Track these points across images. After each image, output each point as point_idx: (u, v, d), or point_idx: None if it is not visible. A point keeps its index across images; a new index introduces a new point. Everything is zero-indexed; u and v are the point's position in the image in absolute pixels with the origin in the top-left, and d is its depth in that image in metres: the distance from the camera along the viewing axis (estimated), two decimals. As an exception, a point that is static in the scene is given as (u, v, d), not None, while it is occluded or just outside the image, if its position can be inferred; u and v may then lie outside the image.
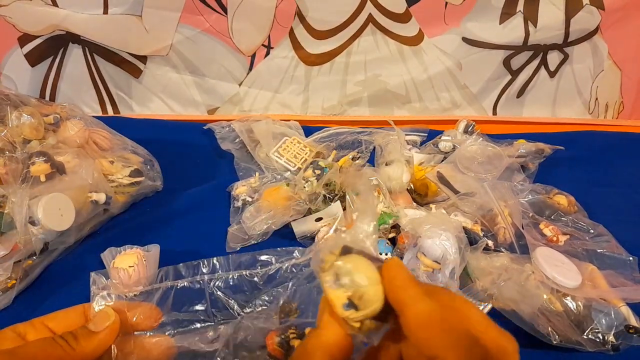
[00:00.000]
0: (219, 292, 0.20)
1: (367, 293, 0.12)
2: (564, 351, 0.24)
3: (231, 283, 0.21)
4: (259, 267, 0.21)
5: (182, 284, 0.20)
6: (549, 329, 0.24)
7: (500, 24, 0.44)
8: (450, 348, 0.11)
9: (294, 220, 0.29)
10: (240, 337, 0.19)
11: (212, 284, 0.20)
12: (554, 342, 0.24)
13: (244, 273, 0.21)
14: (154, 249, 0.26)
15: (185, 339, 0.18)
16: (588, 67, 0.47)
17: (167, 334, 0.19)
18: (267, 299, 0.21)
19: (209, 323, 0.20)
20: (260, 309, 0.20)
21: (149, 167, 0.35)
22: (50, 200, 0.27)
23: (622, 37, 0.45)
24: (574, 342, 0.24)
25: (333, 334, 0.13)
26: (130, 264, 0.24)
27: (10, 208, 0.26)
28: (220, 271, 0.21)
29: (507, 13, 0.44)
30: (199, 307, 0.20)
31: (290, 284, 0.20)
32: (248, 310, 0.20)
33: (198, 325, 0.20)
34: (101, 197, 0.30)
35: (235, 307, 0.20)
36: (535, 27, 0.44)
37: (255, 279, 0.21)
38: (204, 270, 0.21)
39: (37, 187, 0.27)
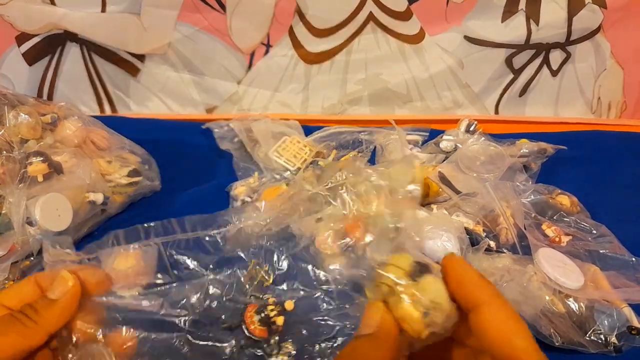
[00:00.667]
0: (177, 255, 0.18)
1: (444, 312, 0.13)
2: (566, 353, 0.24)
3: (191, 244, 0.18)
4: (217, 227, 0.18)
5: (134, 247, 0.18)
6: (551, 331, 0.24)
7: (502, 22, 0.44)
8: (531, 346, 0.11)
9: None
10: (200, 304, 0.17)
11: (168, 246, 0.18)
12: (556, 344, 0.23)
13: (202, 234, 0.18)
14: (152, 250, 0.25)
15: (149, 306, 0.16)
16: (590, 66, 0.47)
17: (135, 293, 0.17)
18: (230, 261, 0.18)
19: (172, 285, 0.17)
20: (227, 272, 0.17)
21: (147, 166, 0.35)
22: (48, 201, 0.27)
23: (624, 35, 0.45)
24: (577, 343, 0.24)
25: (394, 348, 0.13)
26: (128, 265, 0.23)
27: (7, 208, 0.26)
28: (175, 233, 0.18)
29: (509, 11, 0.43)
30: (157, 273, 0.17)
31: (257, 244, 0.18)
32: (212, 274, 0.17)
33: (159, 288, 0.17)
34: (99, 197, 0.30)
35: (197, 268, 0.18)
36: (538, 25, 0.44)
37: (218, 239, 0.18)
38: (157, 233, 0.18)
39: (35, 187, 0.27)
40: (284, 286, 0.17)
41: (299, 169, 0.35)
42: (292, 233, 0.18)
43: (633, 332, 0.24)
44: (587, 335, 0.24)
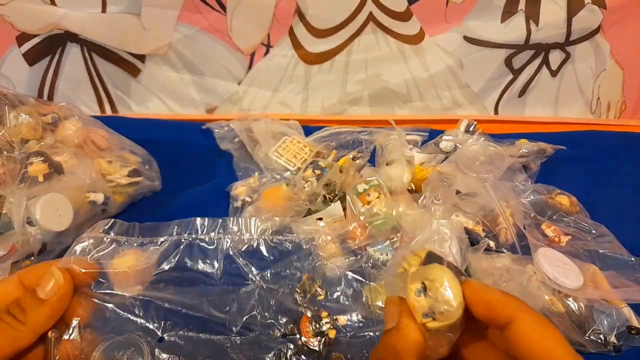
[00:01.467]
0: (237, 257, 0.17)
1: (449, 310, 0.13)
2: (566, 353, 0.24)
3: (253, 247, 0.18)
4: (286, 235, 0.18)
5: (195, 240, 0.17)
6: (551, 331, 0.24)
7: (501, 22, 0.44)
8: (569, 351, 0.12)
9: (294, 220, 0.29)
10: (251, 310, 0.16)
11: (228, 244, 0.17)
12: (556, 344, 0.23)
13: (270, 238, 0.18)
14: (152, 250, 0.25)
15: (189, 299, 0.16)
16: (590, 66, 0.47)
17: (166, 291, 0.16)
18: (287, 271, 0.18)
19: (217, 287, 0.17)
20: (281, 282, 0.17)
21: (147, 167, 0.35)
22: (48, 201, 0.27)
23: (624, 36, 0.45)
24: (576, 343, 0.24)
25: (419, 336, 0.13)
26: (128, 264, 0.23)
27: (8, 208, 0.26)
28: (241, 233, 0.18)
29: (508, 12, 0.43)
30: (208, 269, 0.17)
31: (313, 258, 0.18)
32: (263, 280, 0.17)
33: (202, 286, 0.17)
34: (99, 197, 0.30)
35: (253, 274, 0.17)
36: (537, 26, 0.44)
37: (287, 245, 0.18)
38: (221, 230, 0.18)
39: (35, 187, 0.27)
40: (332, 302, 0.18)
41: (299, 169, 0.35)
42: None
43: (632, 331, 0.24)
44: (587, 335, 0.24)
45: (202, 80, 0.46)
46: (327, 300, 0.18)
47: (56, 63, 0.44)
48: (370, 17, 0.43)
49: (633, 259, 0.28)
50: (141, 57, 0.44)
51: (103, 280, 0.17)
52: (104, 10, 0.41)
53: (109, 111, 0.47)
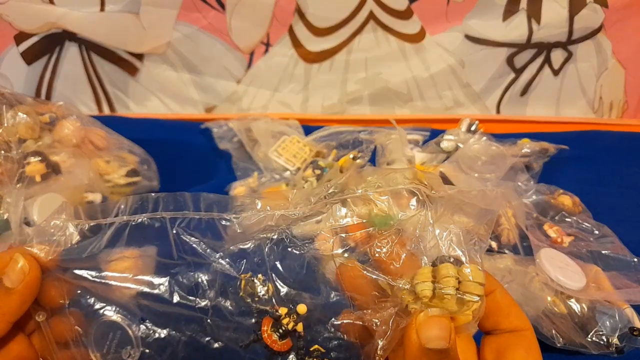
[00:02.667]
0: (185, 235, 0.16)
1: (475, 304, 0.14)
2: (568, 354, 0.23)
3: (202, 226, 0.16)
4: (238, 212, 0.16)
5: (140, 220, 0.16)
6: (553, 332, 0.23)
7: (503, 21, 0.44)
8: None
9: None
10: (217, 296, 0.15)
11: (177, 223, 0.16)
12: (558, 345, 0.23)
13: (218, 216, 0.16)
14: (150, 251, 0.25)
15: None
16: (592, 65, 0.46)
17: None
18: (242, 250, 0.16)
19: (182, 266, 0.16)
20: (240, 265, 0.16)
21: (145, 166, 0.34)
22: (46, 201, 0.26)
23: (626, 35, 0.45)
24: (578, 344, 0.23)
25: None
26: (125, 266, 0.23)
27: (5, 209, 0.26)
28: (189, 210, 0.16)
29: (510, 10, 0.43)
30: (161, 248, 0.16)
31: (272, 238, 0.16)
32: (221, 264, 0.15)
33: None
34: (97, 197, 0.30)
35: (207, 252, 0.16)
36: (539, 24, 0.44)
37: (234, 222, 0.16)
38: (169, 207, 0.16)
39: (33, 187, 0.27)
40: (287, 291, 0.16)
41: (298, 168, 0.35)
42: (283, 236, 0.17)
43: (635, 333, 0.24)
44: (589, 336, 0.24)
45: (201, 80, 0.45)
46: (278, 292, 0.16)
47: (54, 62, 0.44)
48: (371, 16, 0.43)
49: (636, 259, 0.28)
50: (140, 56, 0.44)
51: (97, 281, 0.17)
52: (102, 9, 0.41)
53: (107, 111, 0.47)
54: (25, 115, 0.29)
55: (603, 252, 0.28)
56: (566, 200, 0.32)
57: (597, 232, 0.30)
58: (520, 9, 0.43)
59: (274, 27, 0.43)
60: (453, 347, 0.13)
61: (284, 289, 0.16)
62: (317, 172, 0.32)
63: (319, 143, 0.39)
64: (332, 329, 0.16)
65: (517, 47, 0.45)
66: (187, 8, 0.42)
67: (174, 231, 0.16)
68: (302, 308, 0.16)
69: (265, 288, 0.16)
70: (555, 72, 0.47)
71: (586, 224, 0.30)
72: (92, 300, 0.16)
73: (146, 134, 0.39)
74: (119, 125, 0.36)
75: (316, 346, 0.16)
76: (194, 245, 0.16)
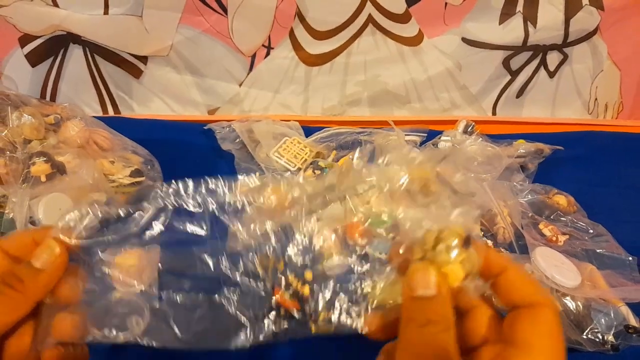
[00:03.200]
0: (223, 216, 0.18)
1: (476, 278, 0.15)
2: (564, 351, 0.24)
3: (238, 207, 0.18)
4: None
5: (180, 203, 0.18)
6: (549, 329, 0.24)
7: (499, 24, 0.44)
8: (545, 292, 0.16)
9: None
10: (242, 266, 0.17)
11: (214, 205, 0.18)
12: (554, 342, 0.24)
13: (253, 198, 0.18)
14: (154, 250, 0.26)
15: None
16: (587, 67, 0.47)
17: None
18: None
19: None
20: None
21: (149, 167, 0.35)
22: (51, 201, 0.27)
23: (621, 37, 0.45)
24: (574, 342, 0.24)
25: (451, 299, 0.14)
26: (131, 263, 0.24)
27: (10, 208, 0.26)
28: (224, 194, 0.18)
29: (506, 13, 0.44)
30: (196, 230, 0.18)
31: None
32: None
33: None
34: (101, 197, 0.30)
35: (240, 231, 0.18)
36: (535, 27, 0.44)
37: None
38: (205, 192, 0.18)
39: (38, 188, 0.27)
40: (296, 261, 0.18)
41: (299, 169, 0.36)
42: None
43: (630, 330, 0.24)
44: (585, 333, 0.24)
45: (204, 82, 0.46)
46: (291, 264, 0.18)
47: (59, 64, 0.44)
48: (370, 19, 0.44)
49: (630, 258, 0.28)
50: (143, 59, 0.45)
51: (103, 275, 0.17)
52: (106, 12, 0.41)
53: (111, 112, 0.47)
54: (30, 117, 0.30)
55: (598, 250, 0.29)
56: (561, 199, 0.32)
57: (591, 231, 0.30)
58: (517, 12, 0.44)
59: (275, 30, 0.44)
60: (442, 297, 0.14)
61: (294, 262, 0.18)
62: (317, 172, 0.32)
63: (319, 144, 0.40)
64: (339, 291, 0.17)
65: (513, 49, 0.45)
66: (190, 11, 0.42)
67: (213, 211, 0.18)
68: (308, 274, 0.18)
69: (279, 263, 0.18)
70: (551, 74, 0.47)
71: (581, 223, 0.31)
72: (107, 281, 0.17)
73: (149, 134, 0.40)
74: (123, 127, 0.36)
75: (323, 309, 0.17)
76: (228, 224, 0.18)
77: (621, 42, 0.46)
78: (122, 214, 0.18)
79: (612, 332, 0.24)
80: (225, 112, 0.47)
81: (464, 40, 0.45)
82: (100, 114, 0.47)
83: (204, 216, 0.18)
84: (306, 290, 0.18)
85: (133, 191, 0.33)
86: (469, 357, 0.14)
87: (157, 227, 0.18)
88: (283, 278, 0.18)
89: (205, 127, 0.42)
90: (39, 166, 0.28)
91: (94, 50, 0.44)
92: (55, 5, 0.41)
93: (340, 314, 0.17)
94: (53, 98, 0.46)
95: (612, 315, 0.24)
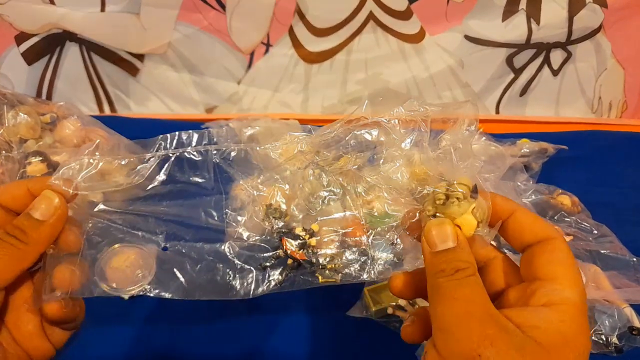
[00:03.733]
0: (226, 165, 0.18)
1: (486, 224, 0.16)
2: (567, 354, 0.24)
3: (242, 156, 0.19)
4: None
5: (183, 153, 0.18)
6: (552, 331, 0.23)
7: (502, 21, 0.44)
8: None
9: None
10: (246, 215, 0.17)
11: (216, 154, 0.18)
12: (557, 345, 0.23)
13: (259, 147, 0.19)
14: (151, 248, 0.25)
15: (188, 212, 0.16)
16: (591, 65, 0.47)
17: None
18: (278, 177, 0.19)
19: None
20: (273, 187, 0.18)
21: (146, 166, 0.34)
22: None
23: (625, 35, 0.45)
24: (578, 344, 0.24)
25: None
26: (127, 263, 0.23)
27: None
28: (227, 143, 0.18)
29: (509, 11, 0.43)
30: (199, 180, 0.18)
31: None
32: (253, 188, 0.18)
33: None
34: (98, 197, 0.30)
35: (244, 180, 0.18)
36: (538, 25, 0.44)
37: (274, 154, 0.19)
38: (207, 141, 0.18)
39: (33, 187, 0.27)
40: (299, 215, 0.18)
41: (299, 168, 0.35)
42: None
43: (634, 332, 0.24)
44: (588, 335, 0.24)
45: (202, 80, 0.45)
46: (295, 215, 0.18)
47: (55, 62, 0.44)
48: (371, 16, 0.43)
49: (635, 259, 0.28)
50: (140, 57, 0.44)
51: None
52: (102, 10, 0.41)
53: (107, 111, 0.47)
54: (26, 116, 0.29)
55: (602, 251, 0.28)
56: (565, 200, 0.32)
57: (596, 231, 0.30)
58: (520, 9, 0.43)
59: (274, 27, 0.43)
60: (462, 247, 0.14)
61: (300, 216, 0.19)
62: (317, 171, 0.32)
63: (319, 143, 0.39)
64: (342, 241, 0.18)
65: (516, 47, 0.45)
66: (188, 8, 0.42)
67: (215, 160, 0.18)
68: (315, 226, 0.18)
69: (285, 216, 0.19)
70: (555, 72, 0.47)
71: (585, 223, 0.30)
72: (113, 232, 0.17)
73: (147, 134, 0.39)
74: (120, 125, 0.36)
75: (331, 262, 0.18)
76: (233, 174, 0.19)
77: (625, 41, 0.45)
78: (123, 164, 0.18)
79: (616, 334, 0.24)
80: (223, 110, 0.47)
81: (466, 37, 0.44)
82: (97, 112, 0.46)
83: (206, 166, 0.18)
84: (313, 241, 0.18)
85: (130, 190, 0.33)
86: (495, 303, 0.14)
87: (161, 176, 0.18)
88: (290, 229, 0.18)
89: (202, 126, 0.41)
90: (35, 166, 0.27)
91: (91, 48, 0.43)
92: (52, 3, 0.40)
93: (346, 265, 0.17)
94: (49, 96, 0.45)
95: (616, 316, 0.24)
